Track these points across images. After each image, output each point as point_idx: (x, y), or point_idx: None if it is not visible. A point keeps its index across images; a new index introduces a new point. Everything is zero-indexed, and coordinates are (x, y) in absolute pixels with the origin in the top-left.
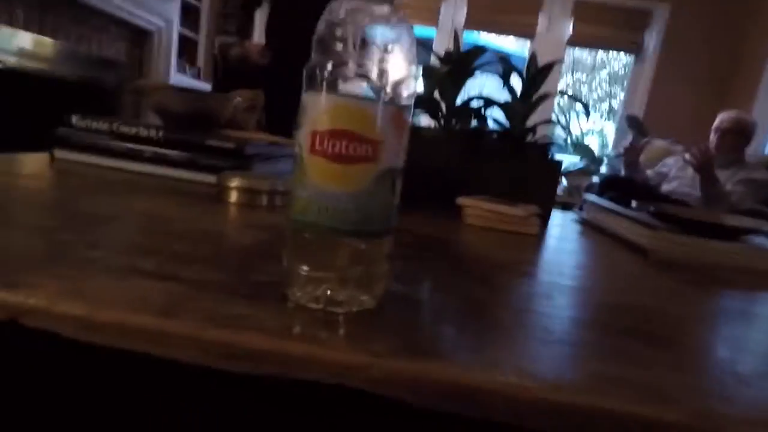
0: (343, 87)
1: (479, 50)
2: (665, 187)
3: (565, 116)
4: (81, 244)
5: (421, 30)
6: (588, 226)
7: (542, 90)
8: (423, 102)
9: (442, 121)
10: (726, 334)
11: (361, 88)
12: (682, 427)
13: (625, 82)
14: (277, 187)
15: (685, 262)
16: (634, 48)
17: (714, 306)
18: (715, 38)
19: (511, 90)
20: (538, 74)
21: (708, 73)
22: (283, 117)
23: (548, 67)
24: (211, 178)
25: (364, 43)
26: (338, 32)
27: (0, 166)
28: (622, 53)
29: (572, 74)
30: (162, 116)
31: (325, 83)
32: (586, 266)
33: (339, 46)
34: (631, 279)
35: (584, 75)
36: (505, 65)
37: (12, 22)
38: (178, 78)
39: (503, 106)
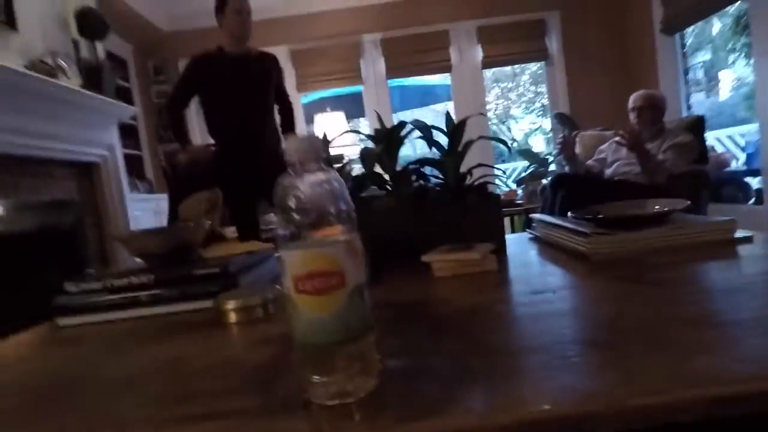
0: (308, 239)
1: (401, 125)
2: (607, 172)
3: (504, 125)
4: (120, 405)
5: (351, 89)
6: (540, 243)
7: (465, 138)
8: (369, 178)
9: (389, 190)
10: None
11: (319, 237)
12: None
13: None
14: (268, 296)
15: (622, 257)
16: (542, 55)
17: (635, 302)
18: (606, 28)
19: (439, 147)
20: (456, 129)
21: (610, 61)
22: (243, 204)
23: (462, 123)
24: (206, 303)
25: (313, 206)
26: (292, 203)
27: (14, 348)
28: (532, 63)
29: (498, 86)
30: (145, 259)
31: (294, 242)
32: (543, 285)
33: (295, 214)
34: (570, 286)
35: (508, 84)
36: (425, 132)
37: None
38: (132, 197)
39: (435, 163)
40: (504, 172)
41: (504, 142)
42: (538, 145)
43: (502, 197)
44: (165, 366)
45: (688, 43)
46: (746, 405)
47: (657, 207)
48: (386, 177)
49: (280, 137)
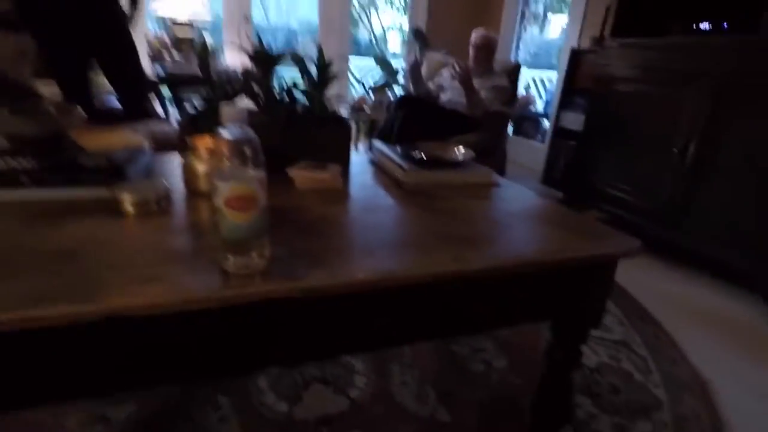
0: (236, 173)
1: (279, 56)
2: (443, 97)
3: (366, 14)
4: (73, 270)
5: None
6: (375, 167)
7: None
8: (246, 92)
9: (262, 106)
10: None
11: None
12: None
13: None
14: (161, 193)
15: (425, 188)
16: None
17: (424, 214)
18: None
19: (310, 78)
20: (324, 67)
21: None
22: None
23: (328, 64)
24: (97, 192)
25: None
26: (226, 149)
27: None
28: None
29: None
30: (12, 141)
31: (226, 174)
32: (366, 202)
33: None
34: (388, 206)
35: None
36: (300, 65)
37: None
38: None
39: (304, 93)
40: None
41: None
42: (393, 42)
43: (354, 104)
44: (89, 245)
45: None
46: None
47: (455, 155)
48: (262, 96)
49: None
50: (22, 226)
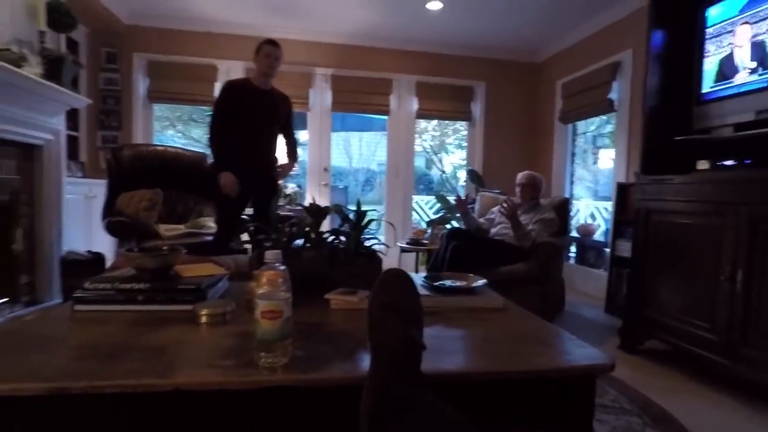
0: (269, 294)
1: (325, 210)
2: (493, 231)
3: (437, 155)
4: (162, 361)
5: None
6: None
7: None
8: (301, 235)
9: (312, 244)
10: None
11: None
12: None
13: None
14: (227, 309)
15: (440, 310)
16: (467, 116)
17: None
18: (520, 106)
19: (349, 222)
20: (361, 215)
21: (519, 135)
22: (231, 213)
23: (364, 213)
24: (185, 307)
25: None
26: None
27: (52, 322)
28: (458, 122)
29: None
30: (139, 271)
31: (264, 294)
32: None
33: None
34: None
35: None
36: (341, 214)
37: None
38: (66, 179)
39: (345, 234)
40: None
41: (392, 225)
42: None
43: (413, 235)
44: (172, 343)
45: (580, 129)
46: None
47: (466, 283)
48: (312, 236)
49: (276, 164)
50: (131, 329)
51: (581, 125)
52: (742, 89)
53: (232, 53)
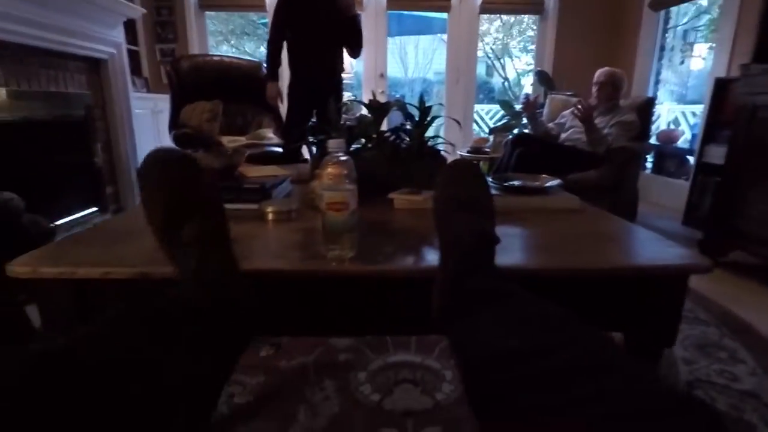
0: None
1: (387, 106)
2: (564, 135)
3: (500, 61)
4: (245, 248)
5: None
6: None
7: (433, 111)
8: (362, 135)
9: (374, 144)
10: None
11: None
12: None
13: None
14: (292, 207)
15: (511, 211)
16: (538, 8)
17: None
18: None
19: (412, 120)
20: (424, 111)
21: (598, 29)
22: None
23: (428, 108)
24: (252, 206)
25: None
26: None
27: (130, 216)
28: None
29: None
30: (206, 171)
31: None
32: None
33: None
34: None
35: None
36: (403, 110)
37: None
38: (132, 95)
39: (406, 132)
40: (482, 116)
41: (457, 122)
42: (529, 83)
43: (474, 143)
44: (243, 237)
45: (672, 21)
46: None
47: (539, 183)
48: (374, 136)
49: (341, 70)
50: None
51: (673, 15)
52: None
53: None
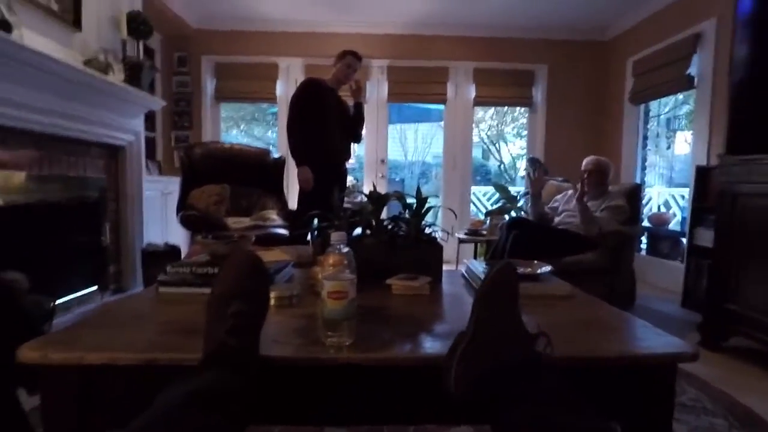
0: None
1: (386, 197)
2: (557, 219)
3: (495, 146)
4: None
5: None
6: (464, 279)
7: (428, 203)
8: (362, 222)
9: (373, 231)
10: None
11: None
12: None
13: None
14: (293, 292)
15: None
16: (528, 102)
17: None
18: (586, 89)
19: (409, 210)
20: (421, 201)
21: (585, 120)
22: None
23: (424, 199)
24: None
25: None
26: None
27: (142, 302)
28: (517, 110)
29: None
30: (213, 257)
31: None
32: (446, 305)
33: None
34: (463, 309)
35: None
36: (401, 201)
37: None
38: (144, 177)
39: (404, 221)
40: (479, 198)
41: (453, 212)
42: (523, 167)
43: (471, 225)
44: None
45: (653, 111)
46: None
47: (530, 269)
48: (373, 223)
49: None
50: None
51: (653, 107)
52: None
53: (292, 50)
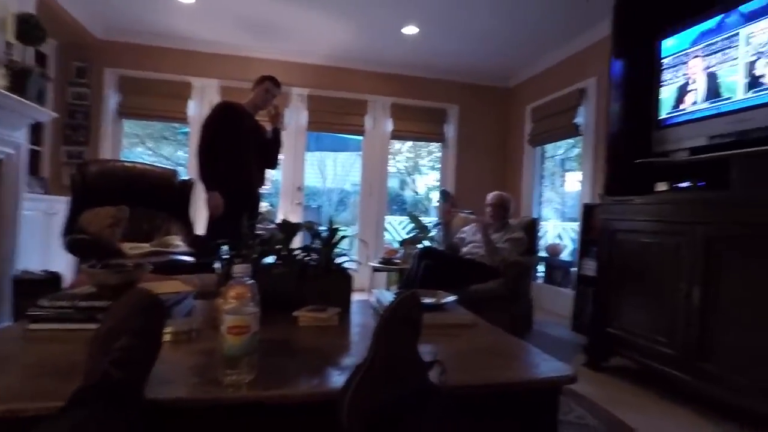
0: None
1: (297, 226)
2: (464, 250)
3: (411, 177)
4: None
5: None
6: (374, 310)
7: (339, 234)
8: (272, 251)
9: (283, 261)
10: None
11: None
12: None
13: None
14: (192, 326)
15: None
16: (441, 138)
17: None
18: (492, 129)
19: (321, 240)
20: (332, 232)
21: (491, 157)
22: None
23: (335, 230)
24: None
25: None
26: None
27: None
28: (432, 143)
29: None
30: (100, 289)
31: (231, 309)
32: (352, 337)
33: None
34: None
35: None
36: (311, 231)
37: None
38: (26, 195)
39: (315, 250)
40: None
41: (364, 242)
42: (435, 201)
43: (385, 254)
44: None
45: (549, 152)
46: None
47: (436, 299)
48: (283, 253)
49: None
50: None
51: (550, 148)
52: (696, 116)
53: (208, 71)
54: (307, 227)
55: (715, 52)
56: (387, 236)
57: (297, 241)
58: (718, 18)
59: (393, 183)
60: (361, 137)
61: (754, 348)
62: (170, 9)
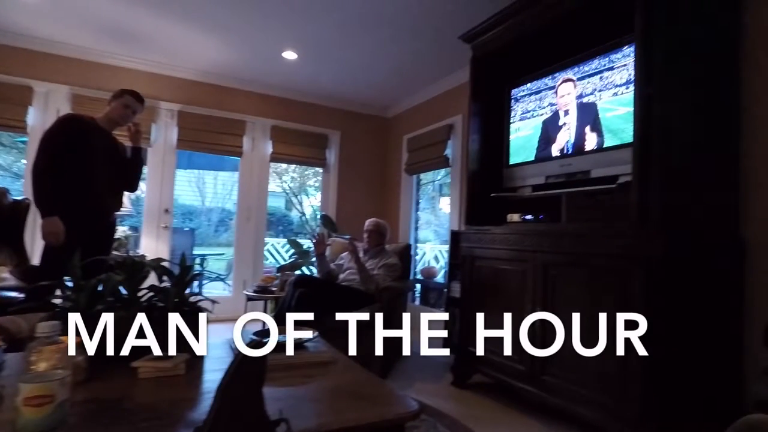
0: (36, 374)
1: (141, 266)
2: (341, 276)
3: (297, 198)
4: None
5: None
6: (232, 351)
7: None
8: (112, 294)
9: (124, 303)
10: None
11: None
12: None
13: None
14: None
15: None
16: (322, 163)
17: None
18: (372, 157)
19: (171, 278)
20: (186, 269)
21: (371, 183)
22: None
23: (189, 267)
24: None
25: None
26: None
27: None
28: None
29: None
30: None
31: (28, 376)
32: (202, 386)
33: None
34: None
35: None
36: (158, 270)
37: None
38: None
39: (164, 291)
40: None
41: (222, 280)
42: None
43: (261, 281)
44: None
45: (423, 179)
46: None
47: (295, 337)
48: (125, 294)
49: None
50: None
51: (427, 175)
52: (532, 158)
53: (56, 75)
54: (153, 266)
55: (545, 107)
56: (271, 260)
57: (152, 278)
58: (546, 78)
59: (279, 203)
60: (238, 158)
61: (581, 360)
62: (8, 1)
